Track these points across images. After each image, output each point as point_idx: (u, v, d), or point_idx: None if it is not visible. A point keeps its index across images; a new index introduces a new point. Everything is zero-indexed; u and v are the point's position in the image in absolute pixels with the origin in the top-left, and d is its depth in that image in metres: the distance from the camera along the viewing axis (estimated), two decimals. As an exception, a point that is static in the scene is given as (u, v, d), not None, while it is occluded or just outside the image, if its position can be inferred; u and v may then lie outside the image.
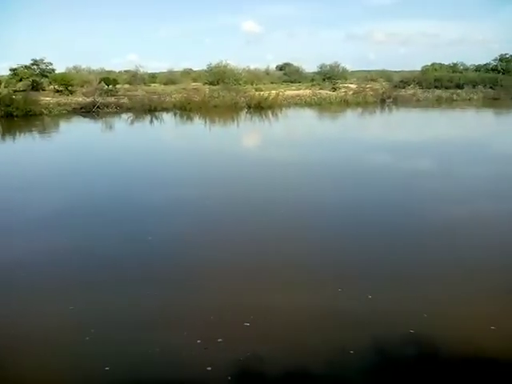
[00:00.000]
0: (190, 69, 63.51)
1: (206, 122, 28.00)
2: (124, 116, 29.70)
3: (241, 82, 47.74)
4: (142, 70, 52.72)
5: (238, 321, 4.79)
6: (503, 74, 47.32)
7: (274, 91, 36.99)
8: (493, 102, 37.78)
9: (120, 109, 31.83)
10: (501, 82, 42.79)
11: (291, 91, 42.89)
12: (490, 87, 42.03)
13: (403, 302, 5.20)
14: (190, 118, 29.13)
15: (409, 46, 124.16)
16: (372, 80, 47.82)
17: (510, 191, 10.39)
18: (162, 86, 50.44)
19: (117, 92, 38.96)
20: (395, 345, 4.39)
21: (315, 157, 15.02)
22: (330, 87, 44.19)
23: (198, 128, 25.64)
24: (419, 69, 54.20)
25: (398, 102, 37.77)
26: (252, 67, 56.89)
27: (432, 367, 4.10)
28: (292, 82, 53.63)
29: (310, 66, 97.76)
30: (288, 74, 58.99)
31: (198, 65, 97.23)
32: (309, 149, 16.95)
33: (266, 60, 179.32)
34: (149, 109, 31.27)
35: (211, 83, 46.49)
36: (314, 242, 7.17)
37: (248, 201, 9.57)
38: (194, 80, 53.29)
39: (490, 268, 6.19)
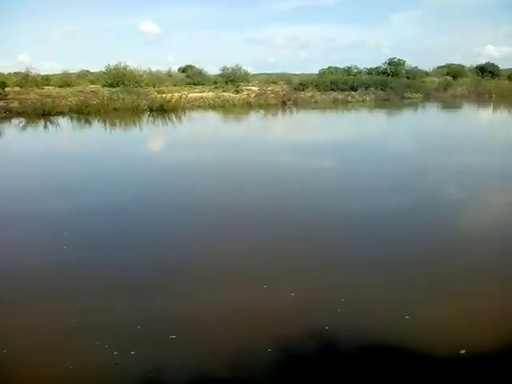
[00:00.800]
0: (87, 70, 62.23)
1: (106, 126, 27.91)
2: (14, 121, 28.61)
3: (142, 85, 48.43)
4: (33, 72, 50.86)
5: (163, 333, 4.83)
6: (392, 76, 54.00)
7: (176, 94, 38.50)
8: (384, 103, 42.16)
9: (10, 113, 30.70)
10: (390, 84, 48.59)
11: (194, 93, 44.52)
12: (381, 89, 47.52)
13: (319, 298, 5.54)
14: (88, 122, 28.75)
15: (308, 49, 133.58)
16: (273, 83, 51.35)
17: (401, 186, 11.54)
18: (57, 88, 49.04)
19: (6, 96, 37.43)
20: (310, 341, 4.61)
21: (224, 158, 15.79)
22: (233, 90, 46.81)
23: (98, 132, 25.49)
24: (317, 72, 59.77)
25: (297, 104, 40.93)
26: (153, 69, 57.83)
27: (342, 361, 4.36)
28: (195, 85, 55.36)
29: (212, 69, 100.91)
30: (191, 76, 60.66)
31: (96, 66, 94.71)
32: (217, 150, 17.74)
33: (167, 62, 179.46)
34: (42, 113, 30.55)
35: (110, 85, 46.46)
36: (219, 243, 7.51)
37: (153, 203, 10.10)
38: (92, 82, 52.52)
39: (398, 258, 6.82)
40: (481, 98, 46.29)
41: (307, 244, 7.52)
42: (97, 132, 25.92)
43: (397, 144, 20.00)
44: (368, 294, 5.68)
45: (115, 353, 4.51)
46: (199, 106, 38.33)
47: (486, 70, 60.69)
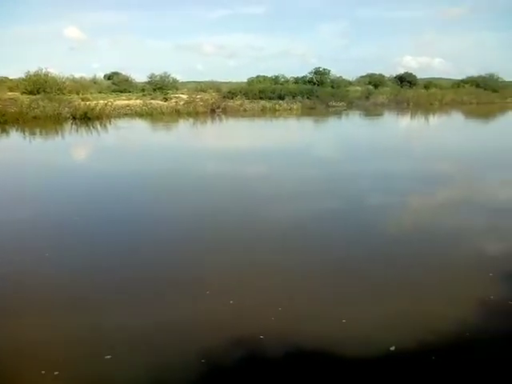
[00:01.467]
0: (6, 77, 60.10)
1: (25, 135, 27.37)
2: None
3: (65, 92, 47.99)
4: None
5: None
6: (318, 85, 57.75)
7: (102, 101, 38.91)
8: (310, 111, 44.65)
9: None
10: (316, 93, 51.93)
11: (121, 101, 44.80)
12: (307, 97, 50.72)
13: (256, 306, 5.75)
14: (5, 131, 28.13)
15: (236, 58, 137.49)
16: (202, 91, 52.96)
17: (325, 191, 12.62)
18: (-29, 96, 46.86)
19: None
20: (243, 350, 4.80)
21: (149, 167, 16.22)
22: (162, 97, 47.80)
23: (16, 142, 25.08)
24: (246, 80, 62.36)
25: (227, 112, 42.52)
26: (77, 76, 57.18)
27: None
28: (122, 92, 55.53)
29: (139, 76, 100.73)
30: (117, 83, 60.54)
31: (15, 73, 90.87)
32: (145, 159, 18.15)
33: (92, 69, 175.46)
34: (-48, 123, 29.91)
35: (30, 93, 45.61)
36: (153, 251, 7.88)
37: (83, 212, 10.28)
38: (11, 89, 50.97)
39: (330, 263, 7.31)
40: (400, 106, 50.60)
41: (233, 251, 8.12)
42: (15, 141, 25.40)
43: (323, 150, 21.45)
44: (303, 301, 6.00)
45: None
46: (126, 114, 38.82)
47: (405, 80, 66.48)
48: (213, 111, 41.13)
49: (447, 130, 32.07)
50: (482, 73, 67.53)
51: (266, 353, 4.77)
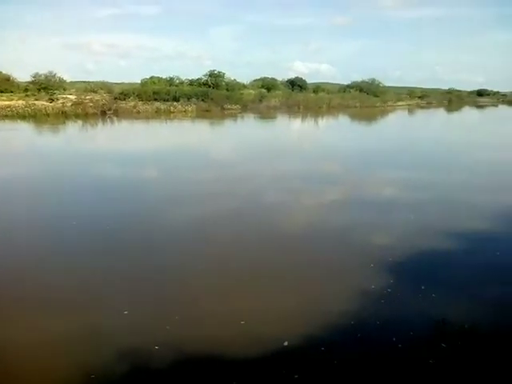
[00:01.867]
0: None
1: None
2: None
3: None
4: None
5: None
6: (213, 88, 59.23)
7: (-23, 102, 36.47)
8: (205, 114, 45.08)
9: None
10: (211, 96, 53.05)
11: (1, 102, 42.68)
12: (202, 100, 52.03)
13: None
14: None
15: (129, 58, 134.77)
16: (92, 91, 51.58)
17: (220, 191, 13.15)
18: None
19: None
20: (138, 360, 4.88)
21: (30, 172, 15.77)
22: (47, 98, 45.94)
23: None
24: (139, 81, 61.93)
25: (119, 114, 41.95)
26: None
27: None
28: (2, 92, 52.39)
29: (22, 75, 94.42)
30: (-4, 82, 56.82)
31: None
32: (24, 164, 17.44)
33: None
34: None
35: None
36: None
37: None
38: None
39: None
40: (291, 109, 53.99)
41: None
42: None
43: (220, 152, 22.02)
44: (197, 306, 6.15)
45: None
46: (6, 116, 36.90)
47: (296, 84, 70.76)
48: (104, 113, 40.45)
49: (335, 132, 34.86)
50: (365, 78, 74.39)
51: (159, 362, 4.89)
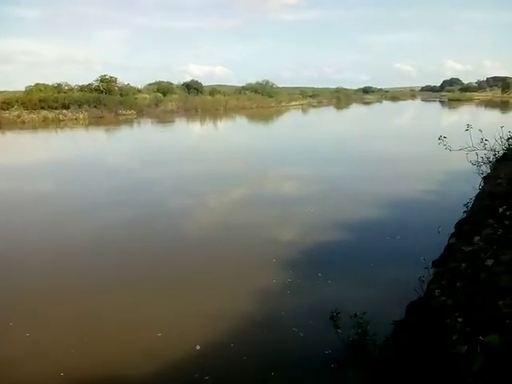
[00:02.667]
0: None
1: None
2: None
3: None
4: None
5: None
6: (105, 93, 57.94)
7: None
8: (98, 120, 44.18)
9: None
10: (104, 101, 51.85)
11: None
12: (95, 106, 50.76)
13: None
14: None
15: (9, 64, 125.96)
16: (-32, 102, 48.26)
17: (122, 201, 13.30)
18: None
19: None
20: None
21: None
22: None
23: None
24: (23, 89, 58.62)
25: (1, 125, 40.02)
26: None
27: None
28: None
29: None
30: None
31: None
32: None
33: None
34: None
35: None
36: None
37: None
38: None
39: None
40: (189, 113, 54.77)
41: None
42: None
43: (117, 160, 21.69)
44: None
45: None
46: None
47: (192, 87, 71.47)
48: (-17, 125, 37.98)
49: (235, 133, 35.93)
50: (259, 80, 77.47)
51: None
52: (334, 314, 5.00)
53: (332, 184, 14.24)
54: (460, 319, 2.17)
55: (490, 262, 2.77)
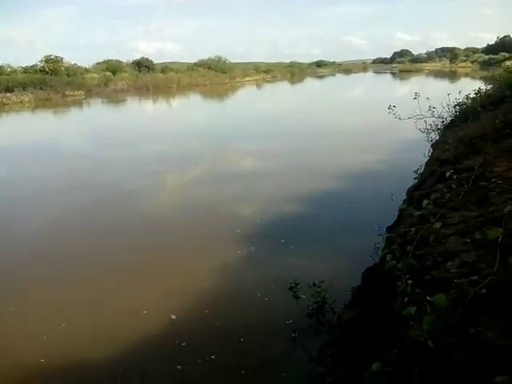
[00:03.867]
0: None
1: None
2: None
3: None
4: None
5: None
6: (51, 74, 55.28)
7: None
8: (45, 103, 42.56)
9: None
10: (50, 83, 49.58)
11: None
12: (40, 88, 48.54)
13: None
14: None
15: None
16: None
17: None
18: None
19: None
20: None
21: None
22: None
23: None
24: (-39, 71, 54.79)
25: None
26: None
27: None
28: None
29: None
30: None
31: None
32: None
33: None
34: None
35: None
36: None
37: None
38: None
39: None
40: (140, 91, 53.41)
41: None
42: None
43: (70, 142, 21.20)
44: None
45: None
46: None
47: (143, 65, 69.37)
48: None
49: (189, 110, 35.34)
50: (212, 56, 76.12)
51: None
52: (293, 284, 5.02)
53: (289, 158, 14.36)
54: (410, 281, 2.21)
55: (438, 225, 2.83)
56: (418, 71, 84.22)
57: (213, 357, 4.76)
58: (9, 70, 54.22)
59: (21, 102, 41.56)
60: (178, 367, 4.65)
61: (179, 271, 6.79)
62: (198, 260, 7.16)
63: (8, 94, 42.44)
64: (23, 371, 4.71)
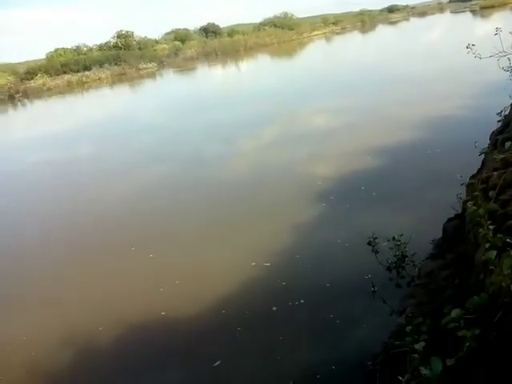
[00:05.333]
0: None
1: None
2: None
3: None
4: None
5: None
6: (124, 49, 57.26)
7: None
8: (121, 77, 44.53)
9: None
10: (123, 58, 51.63)
11: None
12: (115, 64, 50.59)
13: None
14: None
15: (22, 34, 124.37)
16: (-7, 76, 48.67)
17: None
18: None
19: None
20: None
21: None
22: None
23: None
24: (44, 56, 58.57)
25: (29, 95, 40.80)
26: None
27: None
28: None
29: None
30: None
31: None
32: None
33: None
34: None
35: None
36: None
37: None
38: None
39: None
40: (209, 58, 53.72)
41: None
42: None
43: (151, 114, 22.21)
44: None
45: None
46: None
47: (209, 31, 69.44)
48: (12, 97, 38.65)
49: (260, 73, 34.99)
50: (277, 13, 74.22)
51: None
52: (372, 239, 5.00)
53: (368, 111, 14.20)
54: (492, 227, 2.12)
55: (523, 168, 2.66)
56: (502, 5, 76.12)
57: (302, 301, 5.25)
58: (85, 49, 56.76)
59: (99, 79, 43.49)
60: (274, 308, 5.21)
61: (271, 222, 7.41)
62: (286, 210, 7.79)
63: (87, 73, 44.58)
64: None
